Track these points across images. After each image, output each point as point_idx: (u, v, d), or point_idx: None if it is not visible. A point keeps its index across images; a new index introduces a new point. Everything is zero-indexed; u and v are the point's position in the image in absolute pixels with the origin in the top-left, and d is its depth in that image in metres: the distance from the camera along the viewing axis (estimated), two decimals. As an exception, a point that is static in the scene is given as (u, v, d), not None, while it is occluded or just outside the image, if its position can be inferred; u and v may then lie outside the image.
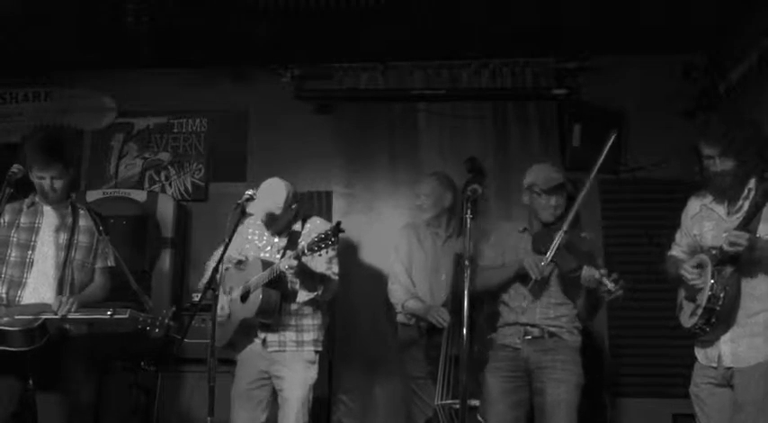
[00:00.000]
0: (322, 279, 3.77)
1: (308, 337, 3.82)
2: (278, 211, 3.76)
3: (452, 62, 5.15)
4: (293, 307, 3.80)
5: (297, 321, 3.80)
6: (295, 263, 3.51)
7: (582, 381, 3.44)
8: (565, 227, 3.35)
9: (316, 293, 3.76)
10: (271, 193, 3.80)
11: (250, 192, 3.71)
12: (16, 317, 3.25)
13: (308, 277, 3.72)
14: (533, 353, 3.46)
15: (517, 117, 5.10)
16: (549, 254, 3.34)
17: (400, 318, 4.29)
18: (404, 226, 4.51)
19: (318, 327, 3.86)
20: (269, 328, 3.77)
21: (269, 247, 3.91)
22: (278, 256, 3.82)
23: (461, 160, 4.75)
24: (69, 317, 3.28)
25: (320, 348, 3.86)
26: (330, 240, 3.38)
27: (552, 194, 3.51)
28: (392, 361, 4.70)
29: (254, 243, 3.90)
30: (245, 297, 3.78)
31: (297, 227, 3.91)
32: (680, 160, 4.65)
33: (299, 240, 3.75)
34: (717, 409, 2.95)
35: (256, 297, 3.68)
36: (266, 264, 3.73)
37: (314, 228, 3.85)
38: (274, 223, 3.83)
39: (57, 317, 3.27)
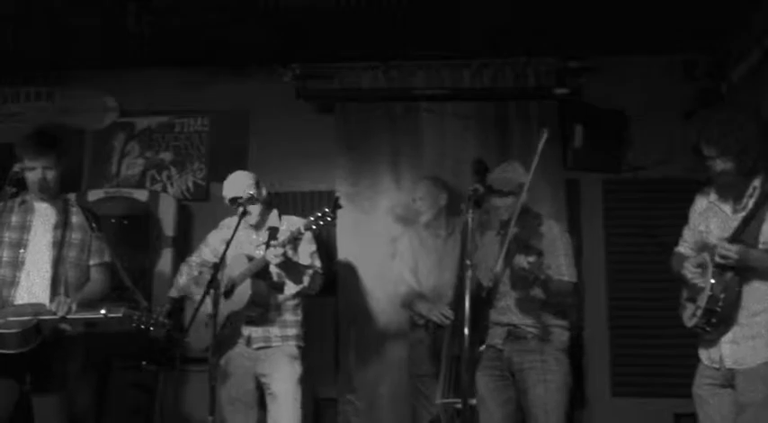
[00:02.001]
0: (306, 270, 3.78)
1: (292, 331, 3.85)
2: (251, 190, 3.77)
3: (454, 62, 5.13)
4: (278, 301, 3.81)
5: (280, 317, 3.82)
6: (280, 251, 3.50)
7: (568, 380, 3.45)
8: (511, 224, 3.35)
9: (302, 285, 3.77)
10: (236, 180, 3.91)
11: (251, 191, 3.74)
12: (9, 319, 3.21)
13: (292, 269, 3.72)
14: (516, 353, 3.47)
15: (519, 117, 5.09)
16: (501, 255, 3.34)
17: (415, 317, 4.33)
18: (405, 229, 4.60)
19: (300, 323, 3.90)
20: (254, 323, 3.78)
21: (247, 244, 3.92)
22: (257, 252, 3.84)
23: (463, 160, 4.85)
24: (67, 317, 3.25)
25: (302, 344, 3.88)
26: (329, 217, 3.38)
27: (498, 195, 3.51)
28: (398, 360, 4.72)
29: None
30: (229, 292, 3.79)
31: (275, 223, 3.92)
32: (682, 159, 4.65)
33: (278, 236, 3.77)
34: (718, 410, 2.94)
35: (246, 288, 3.70)
36: (251, 258, 3.75)
37: (290, 224, 3.88)
38: (251, 209, 3.80)
39: (55, 317, 3.24)
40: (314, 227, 3.44)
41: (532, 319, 3.47)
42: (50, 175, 3.42)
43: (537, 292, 3.43)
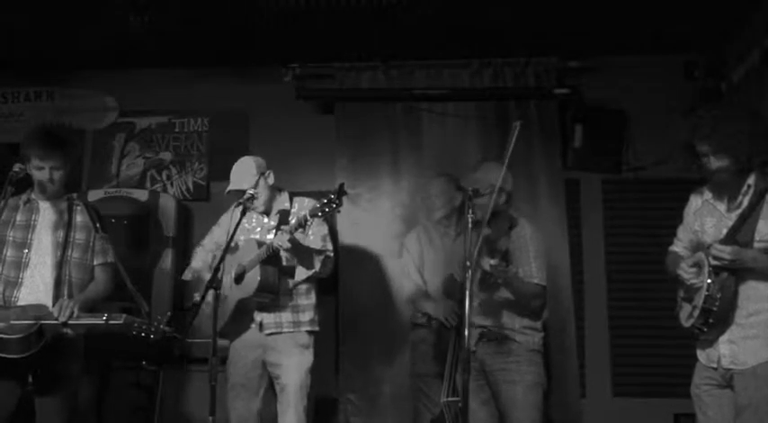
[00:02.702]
0: (318, 255, 3.77)
1: (305, 317, 3.82)
2: (250, 185, 3.74)
3: (454, 62, 5.14)
4: (288, 286, 3.79)
5: (293, 301, 3.80)
6: (287, 237, 3.50)
7: (540, 380, 3.47)
8: (483, 225, 3.33)
9: (314, 271, 3.76)
10: (238, 172, 3.86)
11: (251, 191, 3.73)
12: (12, 322, 3.20)
13: (303, 253, 3.71)
14: (487, 355, 3.50)
15: (519, 117, 5.08)
16: (474, 255, 3.33)
17: (416, 317, 4.33)
18: (414, 228, 4.58)
19: (314, 306, 3.87)
20: (266, 309, 3.77)
21: (258, 229, 3.91)
22: (269, 236, 3.82)
23: (463, 160, 4.85)
24: (68, 323, 3.24)
25: (317, 328, 3.86)
26: (334, 203, 3.34)
27: (477, 195, 3.49)
28: (400, 360, 4.72)
29: (243, 226, 3.84)
30: (239, 278, 3.77)
31: (285, 205, 3.90)
32: (682, 159, 4.64)
33: (290, 219, 3.76)
34: (716, 410, 2.93)
35: (254, 275, 3.68)
36: (261, 243, 3.73)
37: (302, 206, 3.87)
38: (255, 201, 3.77)
39: (57, 323, 3.23)
40: (320, 214, 3.39)
41: (503, 321, 3.49)
42: (57, 175, 3.41)
43: (503, 294, 3.47)
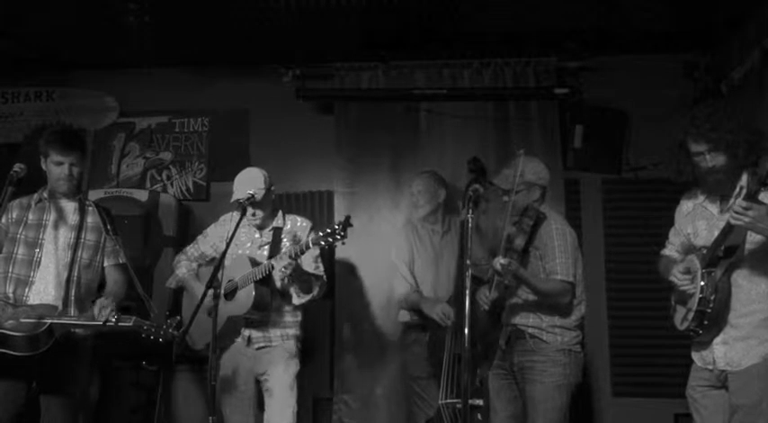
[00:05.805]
0: (315, 281, 3.77)
1: (291, 332, 3.83)
2: (259, 194, 3.72)
3: (454, 62, 5.14)
4: (279, 303, 3.80)
5: (280, 318, 3.82)
6: (289, 265, 3.50)
7: (566, 381, 3.43)
8: (506, 222, 3.40)
9: (312, 295, 3.76)
10: (247, 179, 3.82)
11: (251, 191, 3.72)
12: (22, 320, 3.21)
13: (300, 278, 3.70)
14: (516, 354, 3.49)
15: (519, 117, 5.09)
16: (501, 247, 3.39)
17: (403, 316, 4.31)
18: (403, 225, 4.59)
19: (299, 323, 3.87)
20: (253, 325, 3.77)
21: (249, 244, 3.89)
22: (259, 252, 3.83)
23: (463, 160, 4.81)
24: (74, 323, 3.26)
25: (300, 345, 3.86)
26: (339, 234, 3.36)
27: (502, 193, 3.55)
28: (394, 361, 4.72)
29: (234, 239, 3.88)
30: (230, 294, 3.76)
31: (279, 223, 3.89)
32: (675, 162, 4.63)
33: (282, 236, 3.76)
34: (712, 411, 2.94)
35: (248, 293, 3.68)
36: (254, 261, 3.73)
37: (294, 225, 3.88)
38: (256, 212, 3.78)
39: (67, 322, 3.25)
40: (322, 243, 3.40)
41: (531, 320, 3.48)
42: (76, 171, 3.45)
43: (523, 293, 3.47)
